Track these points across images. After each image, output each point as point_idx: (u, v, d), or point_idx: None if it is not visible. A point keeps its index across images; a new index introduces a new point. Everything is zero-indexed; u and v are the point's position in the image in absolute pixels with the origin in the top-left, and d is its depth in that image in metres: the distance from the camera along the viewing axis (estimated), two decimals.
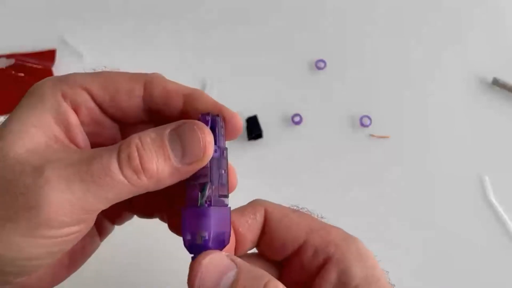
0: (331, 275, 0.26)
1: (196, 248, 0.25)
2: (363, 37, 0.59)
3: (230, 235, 0.26)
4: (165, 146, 0.24)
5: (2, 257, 0.23)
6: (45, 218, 0.23)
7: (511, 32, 0.59)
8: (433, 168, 0.52)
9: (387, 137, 0.53)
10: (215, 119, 0.26)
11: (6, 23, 0.61)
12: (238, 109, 0.54)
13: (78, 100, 0.27)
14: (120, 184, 0.24)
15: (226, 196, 0.27)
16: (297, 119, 0.54)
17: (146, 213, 0.32)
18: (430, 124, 0.54)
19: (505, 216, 0.49)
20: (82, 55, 0.59)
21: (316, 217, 0.29)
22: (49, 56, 0.58)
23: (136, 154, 0.24)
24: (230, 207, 0.27)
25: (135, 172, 0.24)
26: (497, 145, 0.53)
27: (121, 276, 0.46)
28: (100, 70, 0.28)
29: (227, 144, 0.28)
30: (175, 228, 0.30)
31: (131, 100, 0.27)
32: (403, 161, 0.52)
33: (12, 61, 0.57)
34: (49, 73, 0.57)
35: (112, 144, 0.26)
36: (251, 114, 0.53)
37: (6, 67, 0.57)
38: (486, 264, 0.47)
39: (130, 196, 0.25)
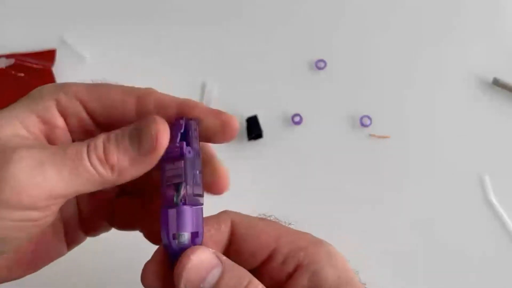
0: (303, 279, 0.27)
1: (174, 246, 0.26)
2: (363, 37, 0.59)
3: (203, 234, 0.27)
4: (124, 139, 0.26)
5: None
6: (8, 195, 0.23)
7: (511, 32, 0.59)
8: (433, 168, 0.52)
9: (387, 137, 0.53)
10: (188, 122, 0.28)
11: (6, 23, 0.61)
12: (238, 109, 0.54)
13: (69, 108, 0.28)
14: (87, 171, 0.25)
15: (201, 196, 0.28)
16: (297, 119, 0.54)
17: (127, 226, 0.32)
18: (430, 124, 0.54)
19: (505, 216, 0.49)
20: (82, 55, 0.59)
21: (284, 224, 0.30)
22: (49, 56, 0.58)
23: (101, 145, 0.26)
24: (202, 207, 0.28)
25: (99, 161, 0.25)
26: (497, 145, 0.53)
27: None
28: (98, 82, 0.29)
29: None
30: (150, 235, 0.31)
31: (124, 113, 0.28)
32: (403, 161, 0.52)
33: (12, 61, 0.57)
34: (49, 73, 0.56)
35: None
36: (251, 114, 0.53)
37: (6, 67, 0.57)
38: (486, 264, 0.47)
39: (97, 188, 0.26)
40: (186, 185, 0.26)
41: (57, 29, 0.60)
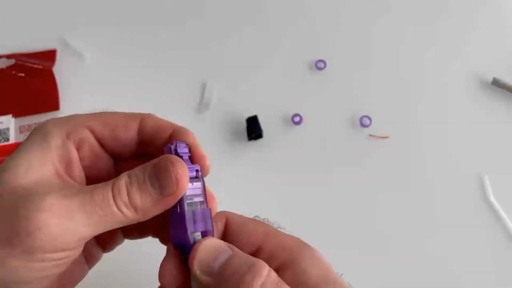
0: (287, 277, 0.28)
1: (191, 243, 0.28)
2: (363, 37, 0.59)
3: (213, 232, 0.29)
4: (146, 182, 0.27)
5: None
6: (42, 242, 0.25)
7: (511, 32, 0.59)
8: (433, 168, 0.52)
9: (387, 137, 0.53)
10: (179, 146, 0.29)
11: (6, 23, 0.61)
12: (238, 109, 0.54)
13: (81, 137, 0.30)
14: (115, 215, 0.27)
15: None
16: (297, 119, 0.54)
17: (140, 235, 0.34)
18: (430, 124, 0.54)
19: (505, 216, 0.49)
20: (82, 55, 0.59)
21: (274, 226, 0.31)
22: (49, 56, 0.58)
23: (124, 189, 0.27)
24: (210, 209, 0.30)
25: (125, 205, 0.27)
26: (497, 145, 0.53)
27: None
28: (99, 111, 0.31)
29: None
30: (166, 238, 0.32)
31: (128, 134, 0.30)
32: (403, 161, 0.52)
33: (12, 61, 0.57)
34: (50, 73, 0.57)
35: (107, 177, 0.29)
36: (251, 114, 0.53)
37: (6, 67, 0.57)
38: (486, 264, 0.47)
39: (121, 226, 0.28)
40: (204, 201, 0.29)
41: (57, 29, 0.60)
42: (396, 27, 0.60)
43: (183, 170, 0.27)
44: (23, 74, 0.56)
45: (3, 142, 0.53)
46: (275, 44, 0.59)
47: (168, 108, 0.55)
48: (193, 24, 0.61)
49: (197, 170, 0.29)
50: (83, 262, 0.32)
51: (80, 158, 0.30)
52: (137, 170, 0.28)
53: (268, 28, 0.60)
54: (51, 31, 0.60)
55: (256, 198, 0.51)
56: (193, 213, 0.28)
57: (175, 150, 0.29)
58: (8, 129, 0.53)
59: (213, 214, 0.30)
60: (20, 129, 0.53)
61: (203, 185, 0.29)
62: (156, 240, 0.33)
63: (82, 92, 0.56)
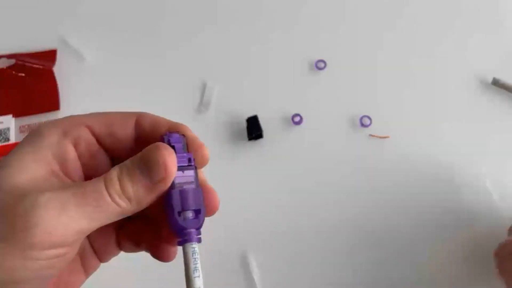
0: None
1: (180, 223, 0.28)
2: (363, 37, 0.59)
3: (205, 211, 0.29)
4: (135, 170, 0.28)
5: None
6: (39, 238, 0.25)
7: (511, 32, 0.59)
8: (433, 168, 0.52)
9: (387, 137, 0.53)
10: (172, 136, 0.29)
11: (6, 23, 0.61)
12: (238, 109, 0.54)
13: (78, 135, 0.30)
14: (109, 205, 0.27)
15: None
16: (297, 119, 0.54)
17: (135, 248, 0.33)
18: (430, 124, 0.54)
19: (505, 217, 0.49)
20: (82, 55, 0.59)
21: None
22: (50, 56, 0.58)
23: (116, 179, 0.27)
24: (201, 189, 0.30)
25: (118, 194, 0.27)
26: (497, 145, 0.53)
27: None
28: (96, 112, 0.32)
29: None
30: (156, 252, 0.32)
31: (125, 130, 0.31)
32: (403, 161, 0.52)
33: (12, 61, 0.57)
34: (50, 73, 0.57)
35: None
36: (251, 114, 0.54)
37: (7, 67, 0.57)
38: (486, 264, 0.47)
39: (118, 218, 0.28)
40: (196, 185, 0.29)
41: (57, 29, 0.60)
42: (396, 27, 0.60)
43: (169, 155, 0.28)
44: (23, 74, 0.56)
45: (3, 142, 0.53)
46: (276, 44, 0.59)
47: (168, 108, 0.55)
48: (193, 24, 0.61)
49: (189, 159, 0.29)
50: (81, 271, 0.32)
51: (78, 156, 0.30)
52: (127, 161, 0.28)
53: (269, 28, 0.60)
54: (51, 31, 0.60)
55: (256, 198, 0.51)
56: (181, 192, 0.28)
57: (168, 140, 0.29)
58: (8, 129, 0.53)
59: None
60: (20, 129, 0.53)
61: (196, 173, 0.29)
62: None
63: (82, 92, 0.57)
